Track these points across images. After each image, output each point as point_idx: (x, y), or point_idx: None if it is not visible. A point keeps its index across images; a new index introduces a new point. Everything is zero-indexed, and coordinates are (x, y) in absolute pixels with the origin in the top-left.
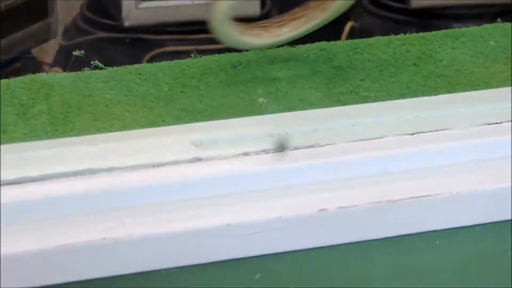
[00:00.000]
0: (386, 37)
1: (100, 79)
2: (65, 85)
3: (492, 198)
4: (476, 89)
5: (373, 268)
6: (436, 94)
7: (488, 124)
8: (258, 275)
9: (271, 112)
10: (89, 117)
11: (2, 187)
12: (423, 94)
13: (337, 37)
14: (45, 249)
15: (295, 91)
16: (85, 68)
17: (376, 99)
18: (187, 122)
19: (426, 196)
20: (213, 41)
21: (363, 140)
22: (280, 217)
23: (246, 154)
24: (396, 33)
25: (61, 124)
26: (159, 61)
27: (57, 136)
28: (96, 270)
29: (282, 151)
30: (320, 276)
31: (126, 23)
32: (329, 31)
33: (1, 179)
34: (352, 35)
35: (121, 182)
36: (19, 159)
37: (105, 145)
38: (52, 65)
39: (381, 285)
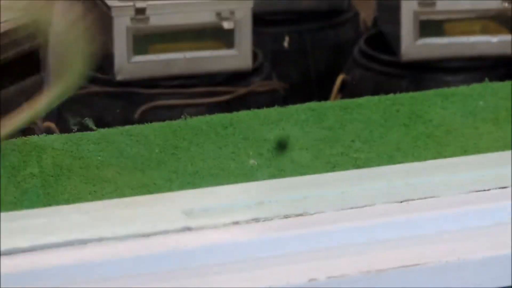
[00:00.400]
0: (376, 97)
1: (91, 141)
2: (56, 147)
3: (481, 267)
4: (465, 151)
5: None
6: (426, 155)
7: (476, 191)
8: None
9: (262, 174)
10: (80, 180)
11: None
12: (413, 155)
13: (328, 89)
14: None
15: (285, 152)
16: (76, 127)
17: (366, 161)
18: (178, 185)
19: (415, 265)
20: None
21: (352, 208)
22: (270, 287)
23: (236, 223)
24: (386, 86)
25: (52, 187)
26: (152, 115)
27: (48, 200)
28: None
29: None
30: None
31: (118, 77)
32: (320, 84)
33: None
34: (343, 87)
35: (111, 253)
36: (10, 229)
37: (96, 214)
38: (44, 119)
39: None
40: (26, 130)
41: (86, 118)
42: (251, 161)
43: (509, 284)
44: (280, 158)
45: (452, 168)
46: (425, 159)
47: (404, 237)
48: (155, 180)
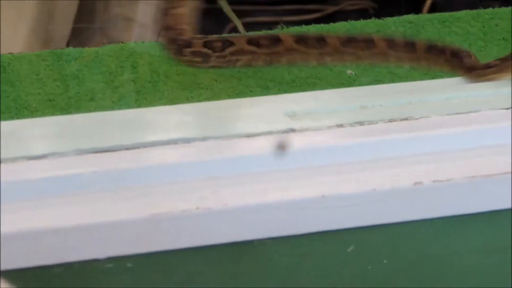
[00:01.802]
0: (474, 11)
1: None
2: (153, 53)
3: None
4: None
5: (466, 242)
6: None
7: None
8: (351, 247)
9: (360, 84)
10: (177, 86)
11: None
12: None
13: (418, 10)
14: (141, 217)
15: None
16: None
17: None
18: (275, 93)
19: None
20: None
21: (458, 113)
22: (374, 189)
23: (340, 125)
24: (476, 8)
25: (150, 93)
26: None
27: (146, 105)
28: (189, 239)
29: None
30: (412, 249)
31: None
32: (410, 4)
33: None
34: (433, 8)
35: (215, 152)
36: (112, 128)
37: (198, 115)
38: None
39: (474, 260)
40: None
41: None
42: (349, 72)
43: None
44: (378, 68)
45: None
46: None
47: (510, 144)
48: (252, 88)
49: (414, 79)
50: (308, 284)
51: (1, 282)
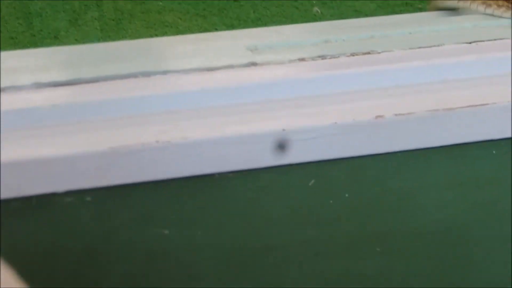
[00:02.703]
0: None
1: None
2: None
3: None
4: None
5: (428, 176)
6: None
7: None
8: (312, 181)
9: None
10: (141, 25)
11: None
12: None
13: None
14: (99, 150)
15: (349, 2)
16: None
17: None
18: None
19: (483, 104)
20: None
21: (420, 47)
22: (336, 123)
23: (302, 59)
24: None
25: (113, 31)
26: None
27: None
28: (148, 172)
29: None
30: (374, 183)
31: None
32: None
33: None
34: None
35: (176, 85)
36: (72, 61)
37: (160, 49)
38: None
39: (435, 193)
40: None
41: None
42: (315, 9)
43: None
44: (343, 7)
45: None
46: None
47: (473, 77)
48: (217, 25)
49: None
50: (269, 218)
51: None
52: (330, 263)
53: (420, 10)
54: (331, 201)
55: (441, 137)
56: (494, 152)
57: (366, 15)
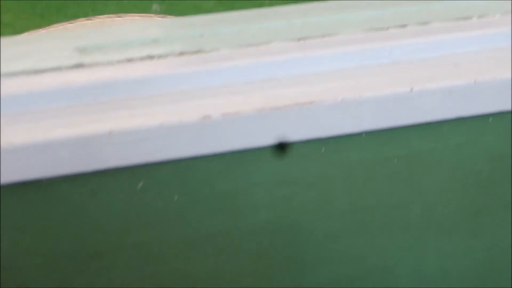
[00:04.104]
0: None
1: None
2: None
3: (378, 105)
4: None
5: (257, 176)
6: None
7: (375, 29)
8: (141, 183)
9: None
10: None
11: None
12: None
13: None
14: None
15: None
16: None
17: (270, 5)
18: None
19: (310, 102)
20: None
21: (249, 45)
22: (162, 124)
23: (130, 60)
24: None
25: None
26: None
27: None
28: None
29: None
30: (203, 184)
31: None
32: None
33: None
34: None
35: (5, 88)
36: None
37: None
38: None
39: (265, 193)
40: None
41: None
42: (154, 6)
43: (406, 121)
44: (183, 4)
45: (351, 8)
46: None
47: (301, 75)
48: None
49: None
50: (98, 222)
51: None
52: (162, 266)
53: (260, 5)
54: (160, 204)
55: (269, 136)
56: (322, 150)
57: (206, 11)
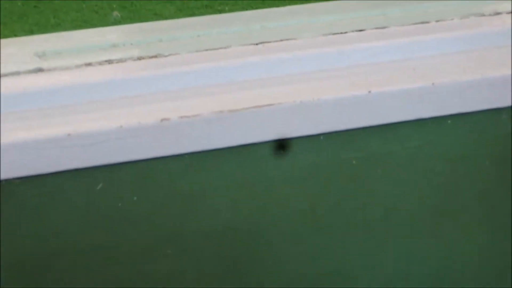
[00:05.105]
0: None
1: None
2: None
3: (336, 107)
4: None
5: (216, 177)
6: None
7: (333, 33)
8: (100, 185)
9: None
10: None
11: None
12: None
13: None
14: None
15: (149, 6)
16: None
17: (231, 12)
18: None
19: (268, 105)
20: None
21: (207, 50)
22: (121, 126)
23: (89, 64)
24: None
25: None
26: None
27: None
28: None
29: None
30: (163, 185)
31: None
32: None
33: None
34: None
35: None
36: None
37: None
38: None
39: (224, 194)
40: None
41: None
42: (114, 14)
43: (364, 123)
44: (143, 11)
45: (309, 12)
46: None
47: (259, 78)
48: (16, 32)
49: None
50: (57, 223)
51: None
52: (121, 267)
53: (220, 12)
54: (119, 205)
55: (226, 138)
56: (281, 152)
57: (166, 18)
